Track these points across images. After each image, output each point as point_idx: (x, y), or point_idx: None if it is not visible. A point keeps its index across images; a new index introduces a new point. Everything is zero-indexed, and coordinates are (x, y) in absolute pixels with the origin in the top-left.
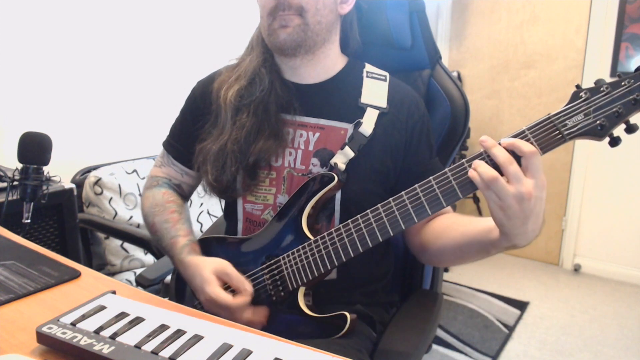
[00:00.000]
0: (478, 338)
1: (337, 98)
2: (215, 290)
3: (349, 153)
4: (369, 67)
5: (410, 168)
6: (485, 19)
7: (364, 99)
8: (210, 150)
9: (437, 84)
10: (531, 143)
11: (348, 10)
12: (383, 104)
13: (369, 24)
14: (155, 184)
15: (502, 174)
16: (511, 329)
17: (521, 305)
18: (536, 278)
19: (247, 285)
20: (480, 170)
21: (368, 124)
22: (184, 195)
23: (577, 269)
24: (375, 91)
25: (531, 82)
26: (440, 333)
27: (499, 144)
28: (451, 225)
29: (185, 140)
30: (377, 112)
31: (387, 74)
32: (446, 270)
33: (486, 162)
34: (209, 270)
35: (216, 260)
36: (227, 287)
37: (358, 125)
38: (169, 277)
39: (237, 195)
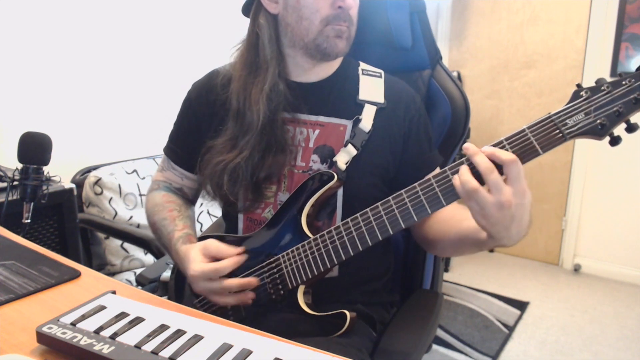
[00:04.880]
0: (478, 338)
1: (335, 95)
2: (198, 267)
3: (351, 151)
4: (363, 65)
5: (411, 160)
6: (485, 19)
7: (362, 95)
8: (231, 162)
9: (437, 84)
10: (532, 142)
11: None
12: (380, 99)
13: (369, 25)
14: (156, 187)
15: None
16: (511, 329)
17: (521, 305)
18: (536, 278)
19: (232, 250)
20: (462, 179)
21: (367, 120)
22: (188, 198)
23: (577, 269)
24: (372, 88)
25: (531, 82)
26: (440, 333)
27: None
28: (450, 220)
29: (183, 144)
30: (375, 107)
31: (382, 71)
32: (446, 270)
33: (469, 170)
34: (195, 250)
35: (201, 242)
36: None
37: (357, 122)
38: (165, 274)
39: (238, 212)
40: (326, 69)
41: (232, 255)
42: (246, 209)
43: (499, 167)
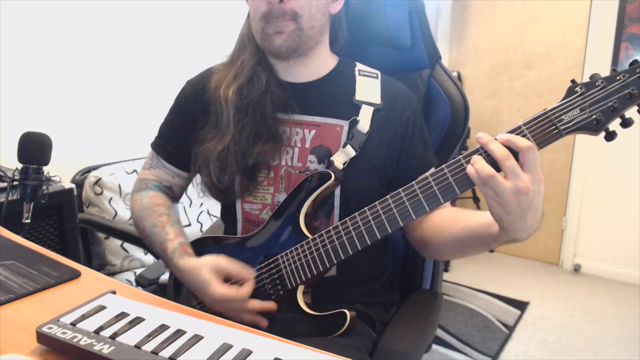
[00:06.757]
0: (478, 338)
1: (331, 96)
2: (218, 290)
3: (350, 152)
4: (360, 66)
5: (407, 161)
6: (485, 19)
7: (359, 96)
8: (214, 150)
9: (436, 84)
10: (527, 138)
11: (338, 10)
12: (377, 100)
13: (368, 24)
14: (145, 186)
15: (499, 170)
16: (511, 329)
17: (521, 305)
18: (536, 278)
19: (247, 272)
20: (477, 166)
21: (364, 121)
22: (175, 197)
23: (577, 269)
24: (368, 88)
25: (531, 82)
26: (440, 333)
27: (496, 139)
28: (451, 219)
29: (175, 141)
30: (372, 108)
31: (378, 72)
32: (446, 270)
33: (483, 158)
34: (206, 270)
35: (209, 259)
36: (228, 280)
37: (355, 122)
38: (163, 277)
39: (236, 198)
40: (312, 69)
41: (247, 278)
42: (243, 192)
43: (514, 154)
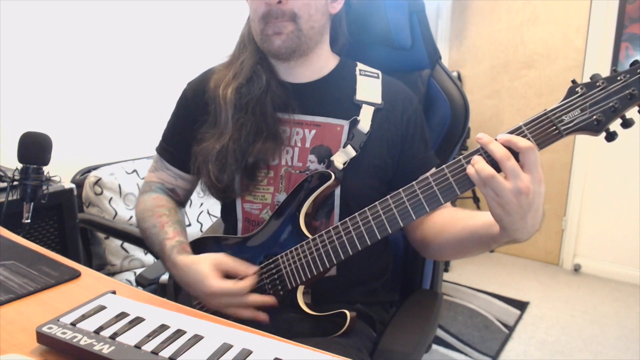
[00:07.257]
0: (478, 338)
1: (332, 96)
2: (215, 282)
3: (350, 152)
4: (361, 66)
5: (407, 161)
6: (485, 19)
7: (359, 95)
8: (213, 149)
9: (437, 84)
10: (528, 139)
11: (339, 10)
12: (378, 100)
13: (368, 24)
14: (149, 189)
15: (499, 170)
16: (511, 329)
17: (521, 305)
18: (536, 278)
19: (249, 268)
20: (477, 167)
21: (365, 121)
22: (179, 200)
23: (577, 269)
24: (369, 88)
25: (531, 82)
26: (440, 333)
27: (496, 139)
28: (451, 220)
29: (178, 143)
30: (372, 108)
31: (379, 72)
32: (446, 270)
33: (484, 158)
34: (206, 264)
35: (210, 255)
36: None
37: (355, 122)
38: (163, 277)
39: (236, 196)
40: (313, 69)
41: (249, 274)
42: (243, 190)
43: (515, 155)
